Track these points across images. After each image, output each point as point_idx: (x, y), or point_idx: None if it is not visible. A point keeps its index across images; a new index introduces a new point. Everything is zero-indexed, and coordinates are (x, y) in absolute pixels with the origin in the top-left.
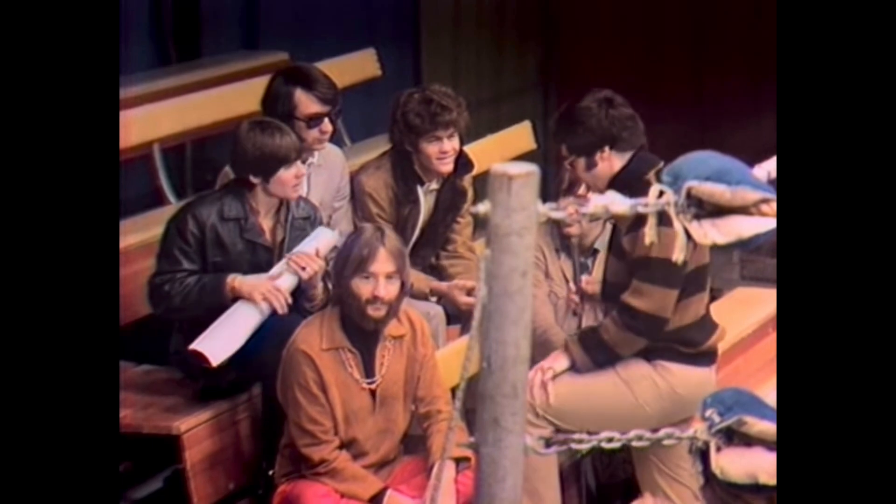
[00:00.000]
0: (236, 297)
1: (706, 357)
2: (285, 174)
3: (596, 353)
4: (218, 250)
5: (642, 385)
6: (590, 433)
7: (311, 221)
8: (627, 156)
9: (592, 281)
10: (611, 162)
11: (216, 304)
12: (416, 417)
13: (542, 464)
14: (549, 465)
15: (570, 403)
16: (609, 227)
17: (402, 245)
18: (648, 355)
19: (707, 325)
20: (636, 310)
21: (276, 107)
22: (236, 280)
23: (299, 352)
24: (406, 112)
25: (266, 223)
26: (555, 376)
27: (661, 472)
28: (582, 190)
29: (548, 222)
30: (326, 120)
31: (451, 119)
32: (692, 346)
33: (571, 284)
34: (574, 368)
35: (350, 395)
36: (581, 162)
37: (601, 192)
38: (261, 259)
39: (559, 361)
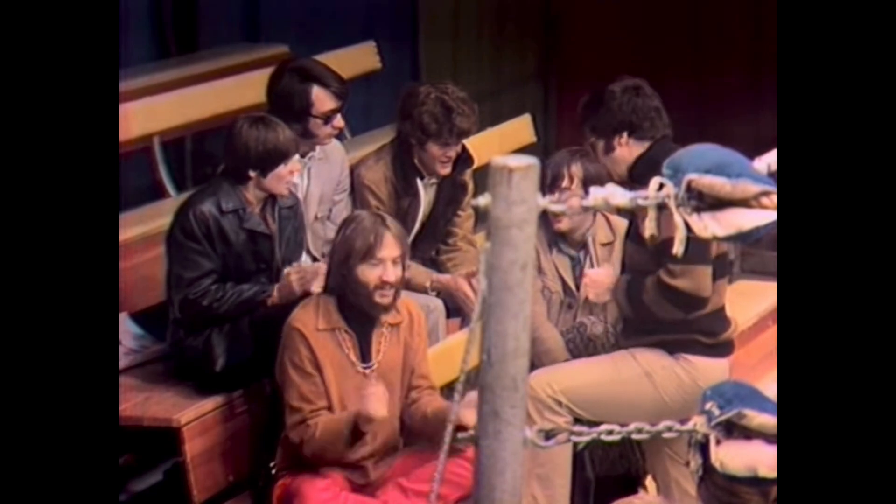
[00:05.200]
0: (276, 305)
1: (725, 347)
2: (283, 169)
3: (635, 304)
4: (222, 244)
5: (664, 376)
6: (591, 425)
7: (295, 211)
8: (647, 144)
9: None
10: (629, 149)
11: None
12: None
13: (558, 453)
14: (565, 455)
15: (592, 393)
16: (600, 219)
17: (402, 227)
18: (671, 348)
19: (725, 315)
20: (678, 289)
21: (292, 104)
22: (275, 295)
23: (294, 330)
24: (422, 113)
25: (257, 212)
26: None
27: (674, 463)
28: (565, 183)
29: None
30: (339, 115)
31: (467, 129)
32: (713, 335)
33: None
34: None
35: (345, 377)
36: (601, 144)
37: (619, 177)
38: (262, 248)
39: (601, 291)
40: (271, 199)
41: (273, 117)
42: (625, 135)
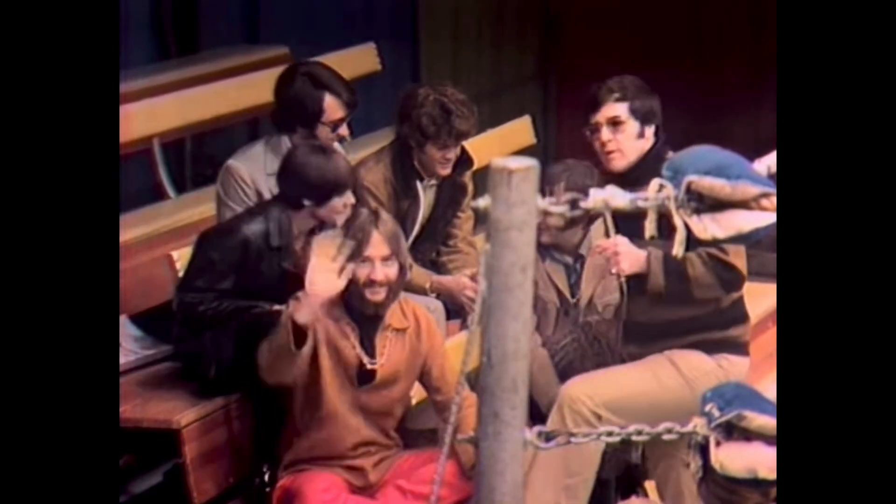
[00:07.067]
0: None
1: (747, 345)
2: (338, 202)
3: (673, 279)
4: (252, 274)
5: (704, 382)
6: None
7: None
8: (653, 140)
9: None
10: (647, 143)
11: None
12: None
13: (588, 465)
14: (593, 467)
15: (634, 404)
16: (597, 230)
17: (398, 227)
18: (709, 349)
19: (745, 305)
20: (733, 267)
21: (305, 109)
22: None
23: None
24: (421, 115)
25: (298, 247)
26: (620, 276)
27: (686, 469)
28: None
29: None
30: (345, 124)
31: (465, 131)
32: (740, 323)
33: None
34: (642, 276)
35: (341, 359)
36: (634, 127)
37: (627, 166)
38: (290, 285)
39: (633, 259)
40: (319, 228)
41: (329, 145)
42: (653, 127)
